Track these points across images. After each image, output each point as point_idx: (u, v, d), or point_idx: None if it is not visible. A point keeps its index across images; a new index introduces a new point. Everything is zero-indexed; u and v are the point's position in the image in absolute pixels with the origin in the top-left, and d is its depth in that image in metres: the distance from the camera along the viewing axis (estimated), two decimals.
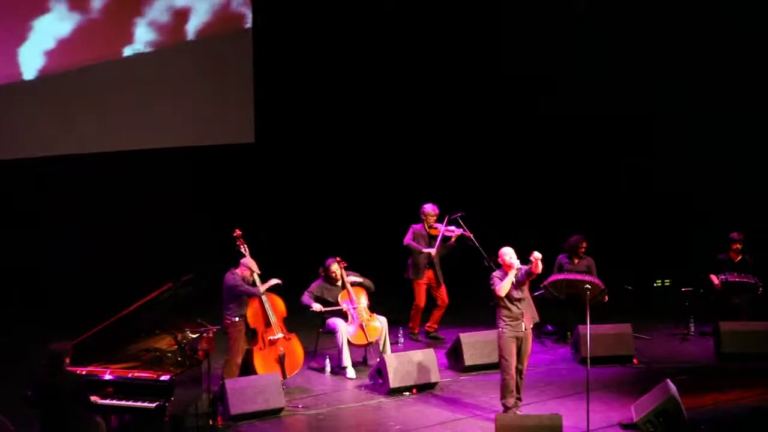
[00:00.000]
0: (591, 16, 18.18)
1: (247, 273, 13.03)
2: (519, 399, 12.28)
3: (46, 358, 10.22)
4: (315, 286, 14.12)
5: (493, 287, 12.08)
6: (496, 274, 12.15)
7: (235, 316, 12.96)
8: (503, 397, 12.22)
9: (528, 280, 12.13)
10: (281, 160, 18.25)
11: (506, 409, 12.17)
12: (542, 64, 18.42)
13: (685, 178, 18.04)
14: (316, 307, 13.93)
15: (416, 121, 18.54)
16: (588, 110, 18.30)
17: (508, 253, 12.16)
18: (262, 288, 13.14)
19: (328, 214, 18.08)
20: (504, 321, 12.11)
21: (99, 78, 16.60)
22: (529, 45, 18.45)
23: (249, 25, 17.65)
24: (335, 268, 14.03)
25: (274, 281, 13.23)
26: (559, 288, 14.85)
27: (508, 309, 12.08)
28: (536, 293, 15.07)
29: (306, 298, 14.04)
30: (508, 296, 12.05)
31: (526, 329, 12.15)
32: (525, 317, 12.16)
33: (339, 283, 14.13)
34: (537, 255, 11.91)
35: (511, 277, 12.01)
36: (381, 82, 18.40)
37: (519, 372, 12.19)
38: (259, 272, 13.11)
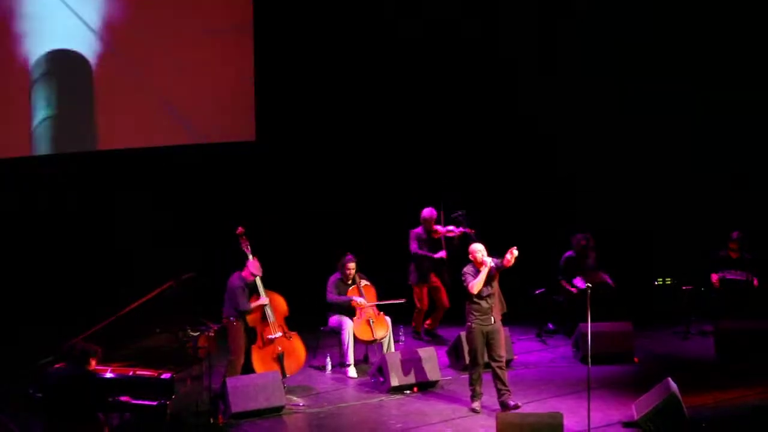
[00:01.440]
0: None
1: (251, 278, 13.03)
2: (507, 390, 12.38)
3: (74, 353, 10.23)
4: (332, 284, 14.07)
5: (465, 283, 12.24)
6: (468, 270, 12.29)
7: (233, 316, 12.95)
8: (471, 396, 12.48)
9: (498, 273, 12.27)
10: (283, 158, 18.21)
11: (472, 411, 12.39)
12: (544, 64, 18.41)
13: (685, 177, 18.02)
14: (360, 300, 13.90)
15: (419, 118, 18.48)
16: (586, 109, 18.28)
17: (480, 251, 12.29)
18: (252, 304, 13.09)
19: (330, 212, 18.03)
20: (474, 315, 12.31)
21: (98, 77, 16.57)
22: (528, 45, 18.44)
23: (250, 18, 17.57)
24: (352, 266, 13.99)
25: (262, 301, 13.16)
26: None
27: (479, 304, 12.27)
28: (537, 291, 15.09)
29: (332, 296, 14.00)
30: (479, 292, 12.17)
31: (495, 322, 12.32)
32: (494, 310, 12.31)
33: (350, 282, 14.12)
34: (515, 252, 12.02)
35: (483, 275, 12.17)
36: (383, 79, 18.36)
37: (498, 363, 12.30)
38: (260, 275, 13.09)
